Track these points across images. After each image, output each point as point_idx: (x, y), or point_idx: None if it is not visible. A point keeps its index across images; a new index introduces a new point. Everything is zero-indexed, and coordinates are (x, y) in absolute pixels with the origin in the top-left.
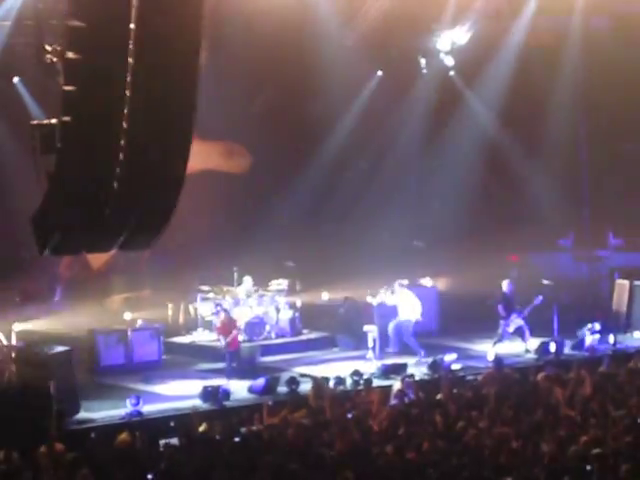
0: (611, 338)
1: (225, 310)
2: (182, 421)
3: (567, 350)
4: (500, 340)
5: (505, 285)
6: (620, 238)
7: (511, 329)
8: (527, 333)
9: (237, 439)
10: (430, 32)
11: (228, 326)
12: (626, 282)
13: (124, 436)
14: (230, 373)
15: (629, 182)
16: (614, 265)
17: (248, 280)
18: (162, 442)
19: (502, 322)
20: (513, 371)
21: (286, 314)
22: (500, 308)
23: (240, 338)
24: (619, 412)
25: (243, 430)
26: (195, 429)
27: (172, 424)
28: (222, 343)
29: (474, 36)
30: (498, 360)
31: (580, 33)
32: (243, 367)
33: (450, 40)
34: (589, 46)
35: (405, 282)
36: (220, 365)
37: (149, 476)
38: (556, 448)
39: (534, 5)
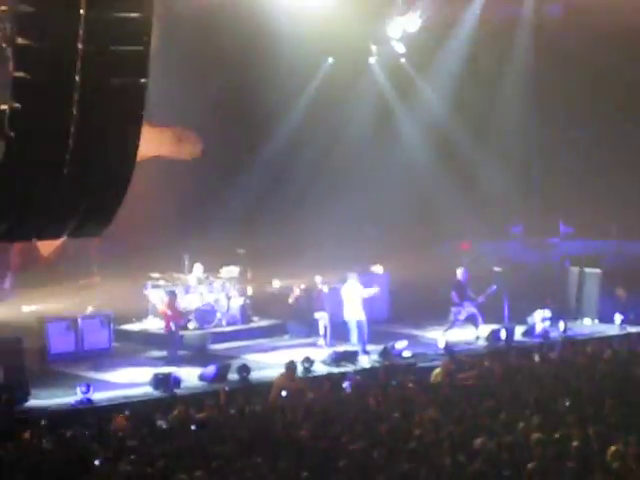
0: (561, 325)
1: (172, 293)
2: (136, 409)
3: (518, 337)
4: (451, 327)
5: (460, 273)
6: (570, 226)
7: (462, 316)
8: (480, 320)
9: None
10: (381, 19)
11: (169, 310)
12: (576, 269)
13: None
14: (173, 359)
15: (580, 170)
16: (565, 252)
17: (198, 267)
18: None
19: (453, 309)
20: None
21: (237, 301)
22: (454, 295)
23: (191, 326)
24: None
25: (198, 417)
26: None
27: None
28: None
29: (425, 23)
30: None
31: (532, 20)
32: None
33: (401, 27)
34: (541, 33)
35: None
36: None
37: (97, 462)
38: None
39: None
